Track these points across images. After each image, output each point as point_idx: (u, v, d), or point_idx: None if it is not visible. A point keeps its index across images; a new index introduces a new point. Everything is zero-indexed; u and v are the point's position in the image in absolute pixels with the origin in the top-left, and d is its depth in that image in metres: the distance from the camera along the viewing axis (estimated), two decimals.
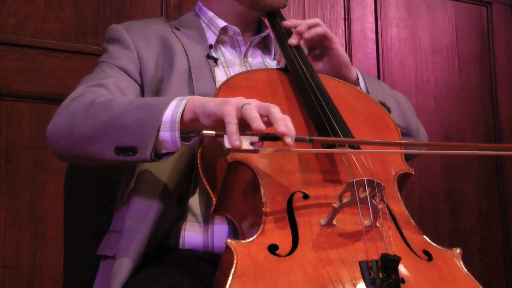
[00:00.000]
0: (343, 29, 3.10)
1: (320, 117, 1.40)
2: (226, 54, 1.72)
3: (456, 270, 1.24)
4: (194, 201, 1.50)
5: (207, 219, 1.48)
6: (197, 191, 1.51)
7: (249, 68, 1.69)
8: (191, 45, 1.65)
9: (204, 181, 1.43)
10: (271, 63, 1.79)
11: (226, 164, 1.29)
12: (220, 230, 1.47)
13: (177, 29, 1.71)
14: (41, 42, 2.42)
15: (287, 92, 1.52)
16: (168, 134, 1.28)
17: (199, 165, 1.45)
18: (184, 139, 1.31)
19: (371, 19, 3.18)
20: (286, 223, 1.21)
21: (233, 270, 1.09)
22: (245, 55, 1.73)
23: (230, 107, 1.15)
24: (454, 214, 3.16)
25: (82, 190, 1.75)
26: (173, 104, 1.29)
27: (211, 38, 1.72)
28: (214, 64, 1.64)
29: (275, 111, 1.15)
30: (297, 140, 1.16)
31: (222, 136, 1.14)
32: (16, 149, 2.32)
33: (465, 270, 1.24)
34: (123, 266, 1.38)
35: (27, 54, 2.39)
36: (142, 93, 1.59)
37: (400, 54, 3.20)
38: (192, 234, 1.48)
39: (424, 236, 1.31)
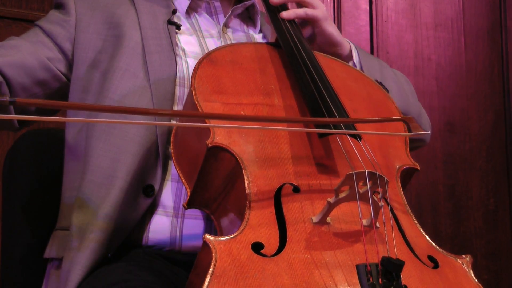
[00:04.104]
0: None
1: (316, 99, 1.42)
2: (201, 23, 1.74)
3: (465, 280, 1.27)
4: (165, 190, 1.53)
5: (177, 212, 1.51)
6: (168, 178, 1.54)
7: (228, 42, 1.71)
8: (149, 12, 1.68)
9: (177, 168, 1.44)
10: (256, 37, 1.81)
11: (205, 149, 1.30)
12: (191, 225, 1.50)
13: None
14: None
15: (278, 70, 1.53)
16: None
17: (171, 149, 1.46)
18: None
19: None
20: (273, 219, 1.23)
21: (211, 270, 1.10)
22: (225, 25, 1.75)
23: None
24: (457, 214, 3.20)
25: (25, 182, 1.75)
26: None
27: (183, 3, 1.73)
28: (177, 30, 1.67)
29: None
30: None
31: None
32: None
33: (476, 280, 1.28)
34: (76, 268, 1.40)
35: None
36: (71, 63, 1.64)
37: (398, 28, 3.22)
38: (158, 229, 1.51)
39: (430, 240, 1.34)
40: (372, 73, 1.72)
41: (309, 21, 1.70)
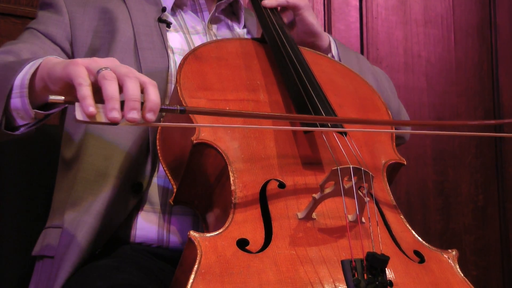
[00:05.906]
0: None
1: (301, 95, 1.43)
2: (186, 19, 1.76)
3: (451, 275, 1.29)
4: (152, 187, 1.54)
5: (165, 209, 1.52)
6: (156, 175, 1.54)
7: (213, 38, 1.73)
8: (139, 9, 1.69)
9: (163, 165, 1.45)
10: (241, 32, 1.83)
11: (190, 146, 1.31)
12: (178, 222, 1.52)
13: None
14: None
15: (264, 66, 1.55)
16: (19, 100, 1.28)
17: (158, 146, 1.47)
18: (48, 107, 1.31)
19: None
20: (259, 215, 1.24)
21: (196, 267, 1.11)
22: (210, 22, 1.77)
23: (78, 68, 1.11)
24: (446, 210, 3.20)
25: (15, 178, 1.75)
26: (27, 66, 1.29)
27: (169, 0, 1.75)
28: (167, 28, 1.68)
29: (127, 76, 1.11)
30: (164, 110, 1.13)
31: (73, 103, 1.06)
32: None
33: (461, 275, 1.29)
34: (65, 265, 1.41)
35: None
36: None
37: (387, 25, 3.22)
38: (146, 226, 1.52)
39: (416, 235, 1.35)
40: (349, 66, 1.74)
41: (290, 9, 1.73)
